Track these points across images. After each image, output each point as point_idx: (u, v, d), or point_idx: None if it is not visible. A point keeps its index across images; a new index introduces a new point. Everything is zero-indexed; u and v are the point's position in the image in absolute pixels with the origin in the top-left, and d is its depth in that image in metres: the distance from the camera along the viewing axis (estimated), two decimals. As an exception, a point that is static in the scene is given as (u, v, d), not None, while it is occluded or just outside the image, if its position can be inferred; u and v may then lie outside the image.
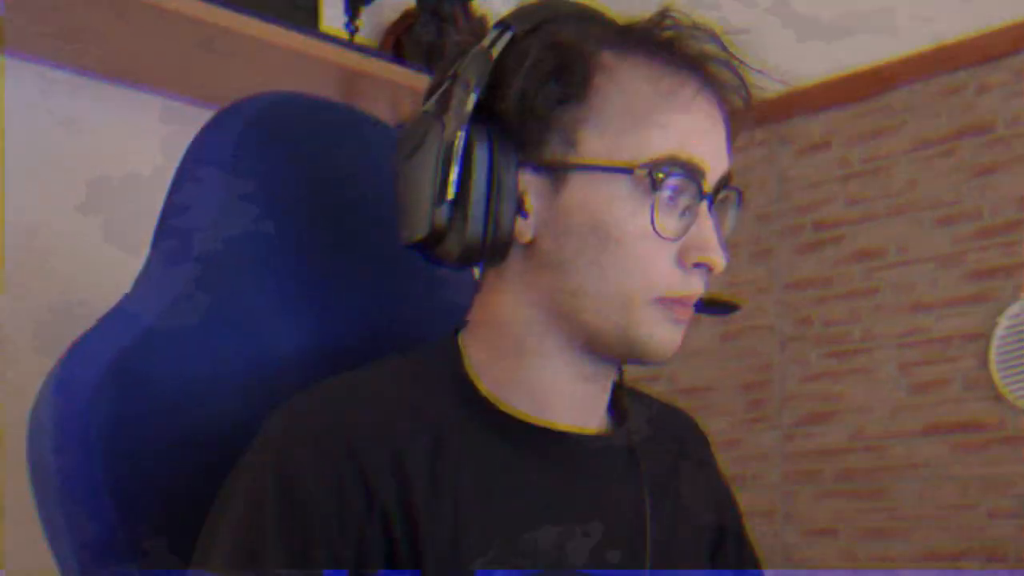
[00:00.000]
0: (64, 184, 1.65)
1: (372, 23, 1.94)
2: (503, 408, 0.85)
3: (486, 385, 0.85)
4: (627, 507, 0.89)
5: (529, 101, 0.82)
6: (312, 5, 1.73)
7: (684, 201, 0.83)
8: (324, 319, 0.97)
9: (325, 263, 0.99)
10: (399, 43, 1.93)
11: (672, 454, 0.96)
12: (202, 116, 1.00)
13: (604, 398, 0.90)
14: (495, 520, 0.81)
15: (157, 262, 0.95)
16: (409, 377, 0.85)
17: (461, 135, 0.81)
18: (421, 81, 1.83)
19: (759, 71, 0.86)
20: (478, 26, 1.89)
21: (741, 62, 0.85)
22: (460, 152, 0.81)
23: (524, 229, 0.83)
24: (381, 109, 1.84)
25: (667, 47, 0.84)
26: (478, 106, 0.82)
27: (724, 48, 0.85)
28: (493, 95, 0.83)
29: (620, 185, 0.81)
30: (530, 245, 0.84)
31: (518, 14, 0.86)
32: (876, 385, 2.16)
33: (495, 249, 0.82)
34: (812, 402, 2.24)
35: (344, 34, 1.85)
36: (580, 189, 0.82)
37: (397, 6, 1.97)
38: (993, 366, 2.00)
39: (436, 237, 0.82)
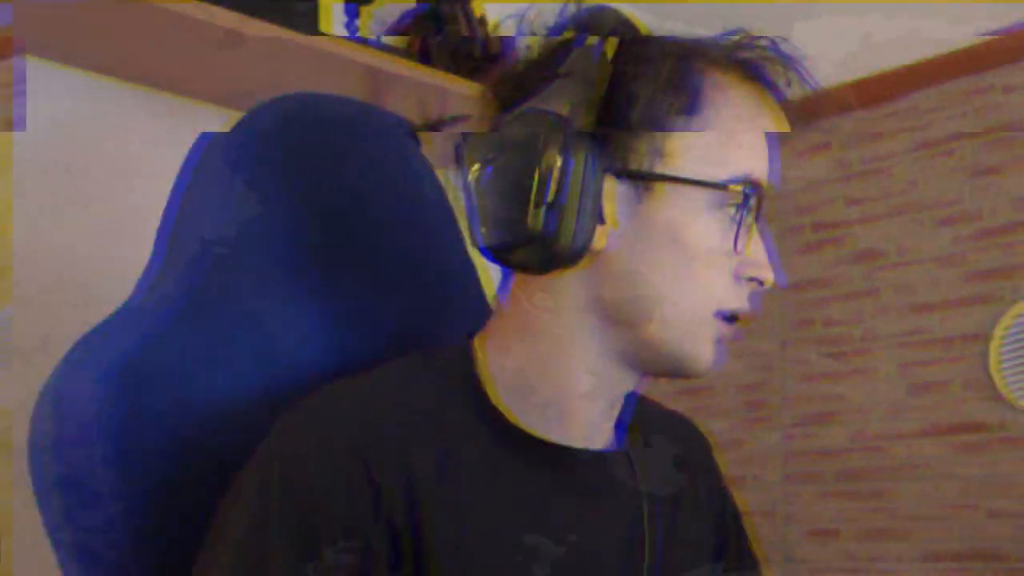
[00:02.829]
0: (72, 189, 1.65)
1: (372, 25, 1.94)
2: (512, 420, 0.84)
3: (500, 393, 0.84)
4: (631, 522, 0.89)
5: (653, 110, 0.80)
6: (312, 8, 1.73)
7: (752, 217, 0.83)
8: (334, 322, 0.97)
9: (335, 266, 0.99)
10: (424, 44, 1.93)
11: (676, 465, 0.96)
12: (209, 117, 1.00)
13: (615, 413, 0.90)
14: (500, 534, 0.80)
15: (164, 264, 0.95)
16: (420, 383, 0.84)
17: (577, 137, 0.78)
18: (446, 82, 1.82)
19: (816, 88, 0.87)
20: (482, 27, 1.89)
21: (812, 84, 0.85)
22: (570, 156, 0.78)
23: (601, 236, 0.81)
24: (407, 111, 1.84)
25: (756, 67, 0.84)
26: (591, 107, 0.80)
27: (801, 71, 0.84)
28: (609, 98, 0.80)
29: (704, 199, 0.81)
30: (601, 253, 0.82)
31: (601, 19, 0.84)
32: (876, 385, 2.16)
33: (577, 256, 0.80)
34: (812, 403, 2.24)
35: (343, 36, 1.84)
36: (665, 200, 0.81)
37: (397, 7, 1.97)
38: (995, 367, 2.00)
39: (526, 241, 0.79)
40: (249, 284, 0.94)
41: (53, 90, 1.64)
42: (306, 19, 1.71)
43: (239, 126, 0.98)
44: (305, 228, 0.98)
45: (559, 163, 0.78)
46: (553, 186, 0.78)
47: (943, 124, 2.13)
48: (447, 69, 1.83)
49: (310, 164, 0.99)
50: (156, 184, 1.01)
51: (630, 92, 0.80)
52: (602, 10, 0.85)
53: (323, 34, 1.69)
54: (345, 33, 1.84)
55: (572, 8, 0.85)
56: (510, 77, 0.85)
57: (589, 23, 0.83)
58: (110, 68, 1.67)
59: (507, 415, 0.84)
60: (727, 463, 1.08)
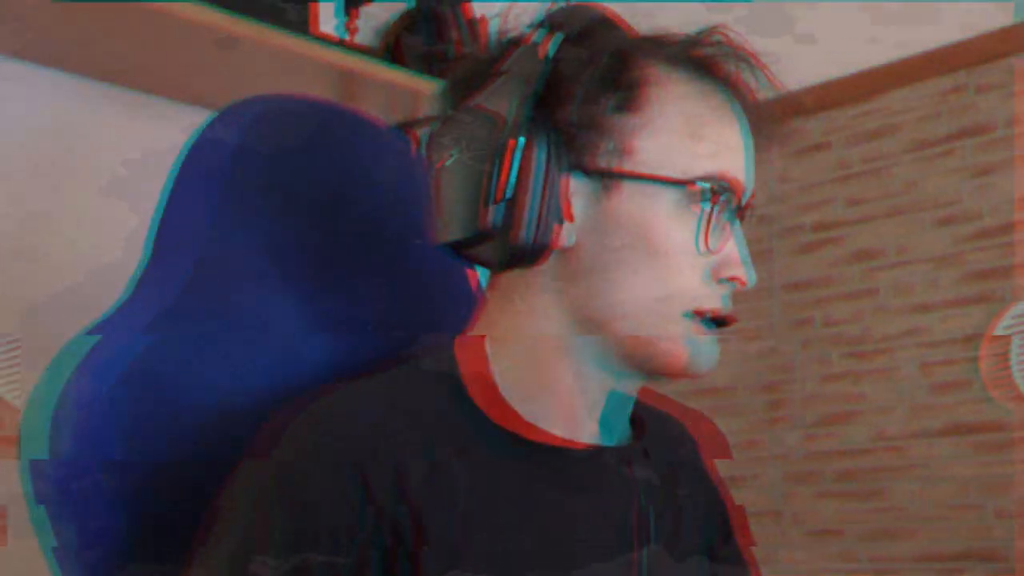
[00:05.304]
0: (60, 186, 1.65)
1: (367, 27, 1.94)
2: (496, 419, 0.84)
3: (485, 395, 0.85)
4: (620, 519, 0.89)
5: (589, 107, 0.81)
6: (304, 8, 1.73)
7: (721, 217, 0.83)
8: (321, 321, 0.97)
9: (323, 265, 0.99)
10: (396, 45, 1.93)
11: (666, 463, 0.96)
12: (198, 119, 1.00)
13: (599, 410, 0.90)
14: (492, 536, 0.80)
15: (156, 267, 0.95)
16: (407, 388, 0.84)
17: (519, 135, 0.79)
18: (417, 83, 1.83)
19: (784, 93, 0.86)
20: (474, 29, 1.89)
21: (775, 85, 0.85)
22: (517, 152, 0.79)
23: (565, 235, 0.81)
24: (377, 111, 1.84)
25: (712, 64, 0.84)
26: (533, 106, 0.80)
27: (759, 71, 0.85)
28: (547, 96, 0.81)
29: (669, 197, 0.81)
30: (565, 251, 0.82)
31: (566, 16, 0.84)
32: (874, 386, 2.16)
33: (535, 253, 0.81)
34: (812, 404, 2.24)
35: (337, 37, 1.84)
36: (629, 199, 0.81)
37: (391, 9, 1.97)
38: (993, 367, 2.00)
39: (480, 238, 0.81)
40: (237, 286, 0.94)
41: (32, 88, 1.64)
42: (297, 20, 1.71)
43: (216, 128, 0.98)
44: (286, 229, 0.98)
45: (507, 160, 0.79)
46: (502, 182, 0.79)
47: (915, 125, 2.13)
48: (420, 70, 1.84)
49: (288, 164, 1.00)
50: (142, 187, 1.02)
51: (565, 90, 0.80)
52: (575, 8, 0.85)
53: (306, 35, 1.69)
54: (336, 36, 1.84)
55: (551, 6, 0.85)
56: (463, 75, 0.86)
57: (559, 20, 0.83)
58: (87, 68, 1.66)
59: (490, 415, 0.84)
60: (732, 463, 1.08)
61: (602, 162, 0.81)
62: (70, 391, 0.85)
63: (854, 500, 2.16)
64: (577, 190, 0.82)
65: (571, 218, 0.81)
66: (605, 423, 0.90)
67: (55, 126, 1.66)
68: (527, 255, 0.81)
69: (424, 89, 1.83)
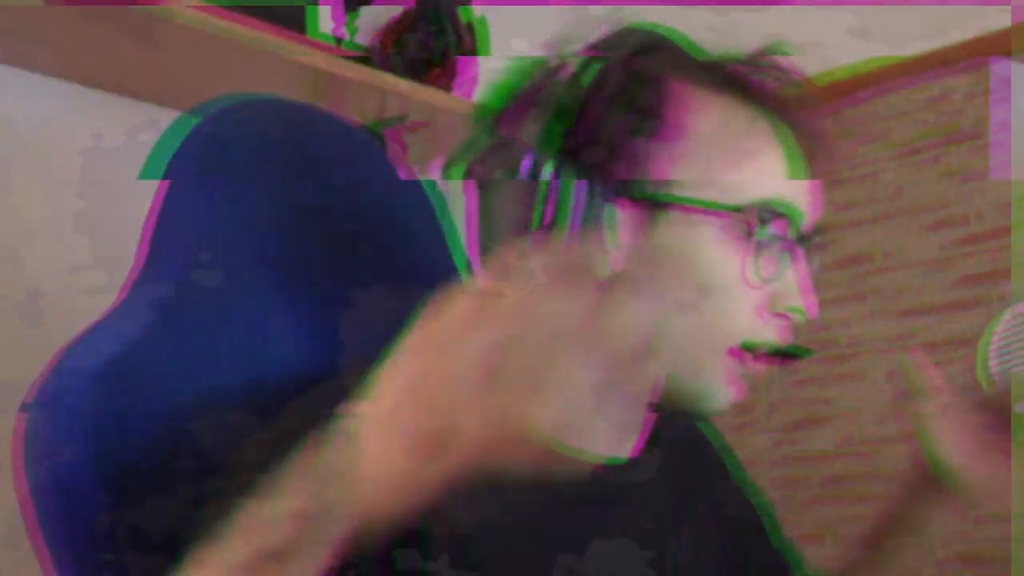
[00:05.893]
0: (50, 192, 1.65)
1: (363, 28, 1.94)
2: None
3: None
4: (645, 531, 0.88)
5: (630, 134, 0.78)
6: (299, 9, 1.73)
7: (778, 246, 0.80)
8: (312, 324, 0.97)
9: (310, 268, 0.99)
10: (386, 49, 1.93)
11: (687, 470, 0.95)
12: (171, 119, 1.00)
13: (629, 432, 0.88)
14: (511, 544, 0.78)
15: (146, 269, 0.95)
16: None
17: (550, 166, 0.77)
18: (408, 87, 1.83)
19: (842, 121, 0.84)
20: (468, 34, 1.89)
21: (825, 110, 0.83)
22: (550, 183, 0.77)
23: (605, 263, 0.78)
24: (367, 116, 1.84)
25: (760, 89, 0.82)
26: (566, 135, 0.78)
27: (810, 96, 0.82)
28: (583, 125, 0.78)
29: (715, 225, 0.78)
30: (605, 280, 0.77)
31: (607, 43, 0.82)
32: (865, 390, 2.16)
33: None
34: (801, 407, 2.24)
35: (331, 39, 1.84)
36: (675, 227, 0.78)
37: (388, 12, 1.97)
38: (983, 370, 2.00)
39: None
40: (228, 288, 0.94)
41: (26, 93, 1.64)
42: (294, 20, 1.71)
43: (207, 126, 0.98)
44: (276, 232, 0.98)
45: (545, 190, 0.77)
46: (541, 212, 0.76)
47: (905, 129, 2.14)
48: (404, 74, 1.83)
49: (275, 166, 0.99)
50: (141, 190, 1.01)
51: (605, 117, 0.78)
52: (622, 32, 0.83)
53: (306, 38, 1.69)
54: (332, 38, 1.84)
55: (607, 30, 0.83)
56: (503, 102, 0.83)
57: (602, 47, 0.81)
58: (73, 71, 1.66)
59: None
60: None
61: (647, 190, 0.78)
62: (52, 390, 0.85)
63: (843, 505, 2.16)
64: (623, 218, 0.78)
65: (615, 248, 0.79)
66: (624, 440, 0.88)
67: (40, 128, 1.65)
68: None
69: (416, 94, 1.83)
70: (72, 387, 0.84)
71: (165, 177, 0.96)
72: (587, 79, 0.79)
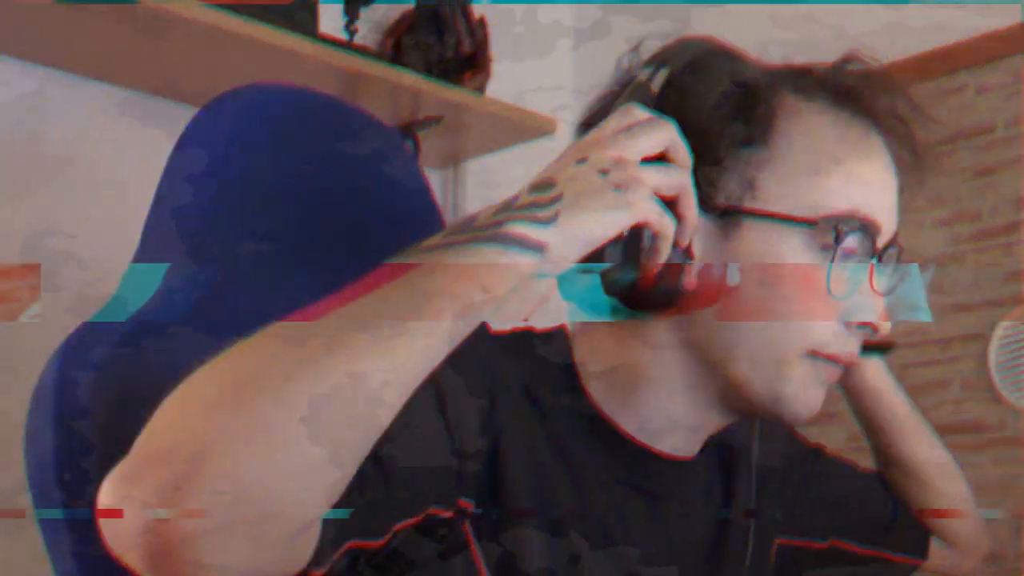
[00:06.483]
0: (67, 187, 1.66)
1: (370, 26, 1.95)
2: (604, 415, 0.83)
3: (589, 382, 0.83)
4: (706, 534, 0.89)
5: (710, 141, 0.77)
6: (311, 7, 1.73)
7: (856, 259, 0.79)
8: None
9: (317, 261, 0.99)
10: (398, 45, 1.93)
11: (769, 478, 0.96)
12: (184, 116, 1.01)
13: (704, 437, 0.88)
14: (577, 521, 0.79)
15: (152, 257, 0.95)
16: (518, 355, 0.83)
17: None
18: (419, 84, 1.83)
19: (933, 124, 0.83)
20: (478, 29, 1.89)
21: (923, 118, 0.82)
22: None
23: (689, 274, 0.78)
24: (381, 112, 1.84)
25: (851, 95, 0.81)
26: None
27: (907, 102, 0.82)
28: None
29: (796, 236, 0.78)
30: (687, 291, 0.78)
31: (673, 51, 0.81)
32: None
33: (659, 297, 0.77)
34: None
35: (342, 37, 1.85)
36: (753, 237, 0.78)
37: (395, 9, 1.98)
38: (994, 367, 2.00)
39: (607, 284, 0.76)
40: (236, 278, 0.94)
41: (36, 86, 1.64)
42: (304, 20, 1.72)
43: (213, 116, 0.98)
44: (289, 221, 0.98)
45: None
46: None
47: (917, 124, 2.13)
48: (419, 71, 1.84)
49: (285, 156, 1.00)
50: (141, 187, 1.02)
51: (684, 123, 0.76)
52: (688, 40, 0.82)
53: (309, 35, 1.70)
54: (342, 35, 1.85)
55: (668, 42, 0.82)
56: (591, 113, 0.84)
57: (670, 55, 0.80)
58: (83, 66, 1.67)
59: (599, 410, 0.83)
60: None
61: (726, 198, 0.78)
62: (66, 384, 0.85)
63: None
64: (701, 227, 0.78)
65: (693, 257, 0.78)
66: (693, 440, 0.88)
67: (45, 122, 1.66)
68: (652, 299, 0.77)
69: (424, 89, 1.84)
70: (82, 376, 0.85)
71: (170, 170, 0.97)
72: (656, 85, 0.78)
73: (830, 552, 1.03)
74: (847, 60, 0.82)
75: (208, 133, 0.98)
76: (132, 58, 1.65)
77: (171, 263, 0.94)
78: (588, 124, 0.82)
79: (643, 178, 0.70)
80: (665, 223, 0.72)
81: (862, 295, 0.80)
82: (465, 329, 0.65)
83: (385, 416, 0.61)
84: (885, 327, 0.81)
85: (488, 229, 0.66)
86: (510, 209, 0.68)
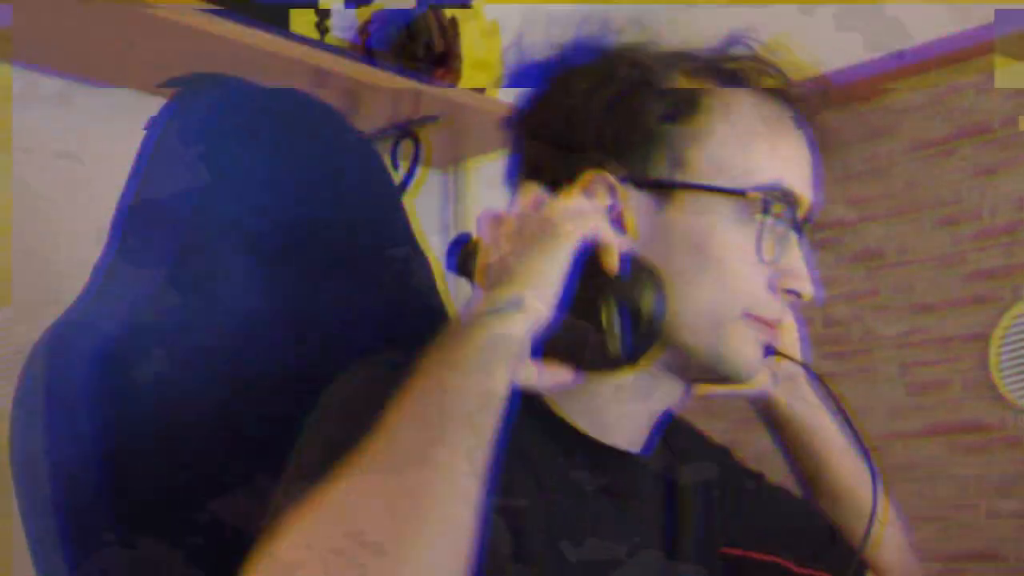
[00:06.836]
0: (64, 190, 1.65)
1: (343, 24, 1.94)
2: (557, 411, 0.85)
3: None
4: (661, 528, 0.90)
5: (640, 118, 0.81)
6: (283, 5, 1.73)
7: (780, 229, 0.83)
8: (288, 312, 0.97)
9: (284, 254, 0.99)
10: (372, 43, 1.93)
11: (709, 480, 0.97)
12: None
13: (655, 420, 0.90)
14: (544, 524, 0.80)
15: (127, 249, 0.95)
16: None
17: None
18: (392, 81, 1.82)
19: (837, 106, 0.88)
20: (451, 28, 1.89)
21: (828, 100, 0.87)
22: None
23: (624, 246, 0.80)
24: (381, 112, 1.84)
25: (738, 76, 0.85)
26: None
27: (816, 87, 0.86)
28: (594, 117, 0.82)
29: (726, 207, 0.81)
30: None
31: (605, 41, 0.86)
32: (876, 386, 2.15)
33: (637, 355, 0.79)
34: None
35: (315, 34, 1.84)
36: (686, 209, 0.82)
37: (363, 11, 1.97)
38: (995, 367, 2.00)
39: None
40: (214, 268, 0.94)
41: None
42: (276, 19, 1.71)
43: (184, 108, 0.98)
44: (263, 217, 0.98)
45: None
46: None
47: (916, 125, 2.13)
48: (389, 68, 1.84)
49: (250, 149, 1.00)
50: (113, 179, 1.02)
51: (611, 105, 0.82)
52: (621, 32, 0.87)
53: (289, 34, 1.69)
54: (316, 32, 1.84)
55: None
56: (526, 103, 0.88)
57: (605, 43, 0.85)
58: (60, 62, 1.66)
59: (552, 406, 0.84)
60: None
61: (657, 172, 0.82)
62: (52, 374, 0.85)
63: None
64: (634, 200, 0.81)
65: (631, 231, 0.81)
66: (655, 431, 0.89)
67: (50, 124, 1.66)
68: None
69: (401, 87, 1.83)
70: (73, 370, 0.85)
71: (145, 160, 0.97)
72: (597, 76, 0.83)
73: (770, 566, 1.04)
74: (760, 50, 0.86)
75: (180, 128, 0.97)
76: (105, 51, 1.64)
77: (149, 263, 0.93)
78: (520, 120, 0.87)
79: (563, 215, 0.75)
80: (607, 230, 0.76)
81: (788, 261, 0.84)
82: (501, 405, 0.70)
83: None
84: (811, 293, 0.85)
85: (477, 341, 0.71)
86: (481, 316, 0.72)
